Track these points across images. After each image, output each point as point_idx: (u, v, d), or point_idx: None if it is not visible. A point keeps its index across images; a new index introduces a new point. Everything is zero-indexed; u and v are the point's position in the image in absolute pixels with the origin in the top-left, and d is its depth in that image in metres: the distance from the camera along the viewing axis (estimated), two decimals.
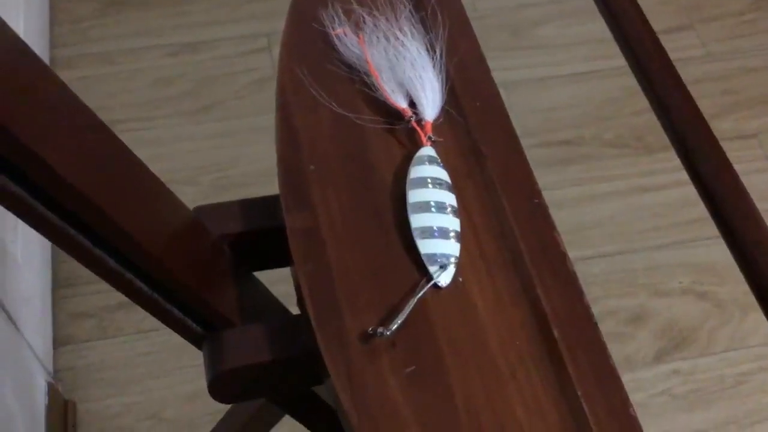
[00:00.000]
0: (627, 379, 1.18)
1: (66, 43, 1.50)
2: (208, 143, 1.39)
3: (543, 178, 1.58)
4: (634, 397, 1.20)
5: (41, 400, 1.04)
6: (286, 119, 0.49)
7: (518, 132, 1.58)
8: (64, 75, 1.47)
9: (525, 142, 1.55)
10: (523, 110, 1.44)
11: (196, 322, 0.44)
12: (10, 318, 0.96)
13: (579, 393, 0.41)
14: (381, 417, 0.39)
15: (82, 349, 1.18)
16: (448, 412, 0.40)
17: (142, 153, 1.56)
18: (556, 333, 0.42)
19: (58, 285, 1.21)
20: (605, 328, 1.21)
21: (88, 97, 1.50)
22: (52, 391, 1.07)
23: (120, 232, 0.36)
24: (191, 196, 1.32)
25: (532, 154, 1.57)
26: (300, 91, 0.50)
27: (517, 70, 1.49)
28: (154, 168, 1.42)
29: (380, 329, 0.41)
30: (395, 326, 0.41)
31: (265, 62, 1.48)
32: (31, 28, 1.36)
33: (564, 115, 1.45)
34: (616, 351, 1.20)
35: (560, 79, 1.49)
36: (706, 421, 1.15)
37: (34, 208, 0.33)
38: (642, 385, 1.18)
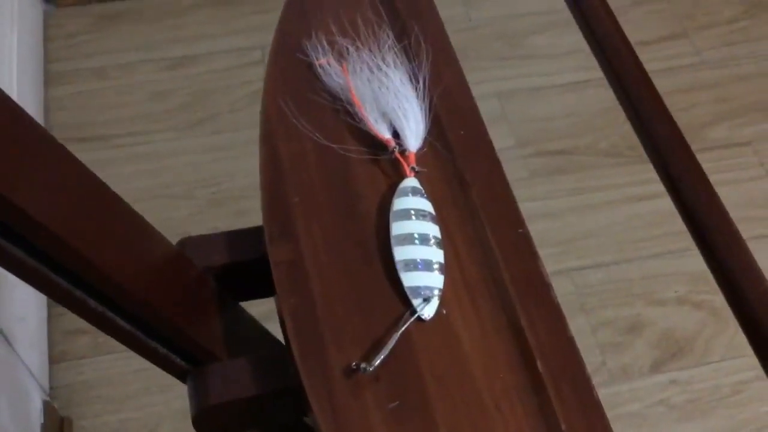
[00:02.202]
0: (623, 389, 1.19)
1: (60, 58, 1.50)
2: (204, 157, 1.39)
3: (537, 187, 1.58)
4: (631, 408, 1.21)
5: (37, 417, 1.04)
6: (270, 149, 0.49)
7: (513, 142, 1.58)
8: (59, 90, 1.48)
9: (519, 152, 1.55)
10: (518, 120, 1.45)
11: (181, 356, 0.44)
12: (4, 337, 0.96)
13: (563, 427, 0.41)
14: None
15: (77, 366, 1.18)
16: None
17: (137, 167, 1.57)
18: (540, 365, 0.42)
19: (53, 303, 1.21)
20: (602, 337, 1.22)
21: (83, 112, 1.51)
22: (48, 408, 1.07)
23: (99, 273, 0.36)
24: (187, 210, 1.32)
25: (527, 164, 1.58)
26: (284, 121, 0.50)
27: (511, 79, 1.50)
28: (149, 182, 1.43)
29: (363, 365, 0.41)
30: (378, 361, 0.41)
31: (260, 75, 1.48)
32: (24, 44, 1.36)
33: (559, 124, 1.45)
34: (612, 361, 1.20)
35: (555, 88, 1.49)
36: (703, 430, 1.15)
37: (4, 248, 0.33)
38: (639, 395, 1.18)
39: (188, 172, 1.37)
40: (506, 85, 1.50)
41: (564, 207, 1.36)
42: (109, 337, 1.18)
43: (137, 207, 0.43)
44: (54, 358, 1.17)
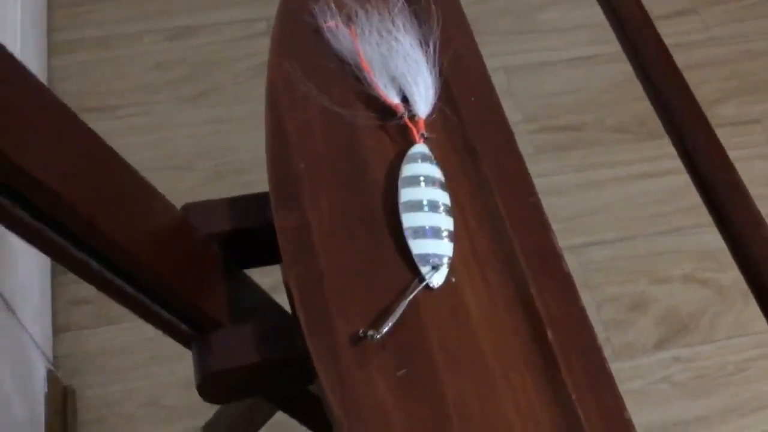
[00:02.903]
0: (627, 366, 1.18)
1: (63, 27, 1.48)
2: (206, 129, 1.38)
3: (544, 164, 1.57)
4: (634, 385, 1.21)
5: (41, 387, 1.04)
6: (275, 115, 0.48)
7: (519, 117, 1.57)
8: (62, 60, 1.47)
9: (526, 128, 1.54)
10: (525, 95, 1.43)
11: (185, 322, 0.43)
12: (8, 306, 0.96)
13: (573, 397, 0.40)
14: (371, 421, 0.39)
15: (81, 336, 1.18)
16: (440, 416, 0.40)
17: (139, 138, 1.55)
18: (550, 335, 0.42)
19: (57, 272, 1.21)
20: (606, 314, 1.22)
21: (86, 82, 1.50)
22: (51, 378, 1.07)
23: (103, 236, 0.35)
24: (189, 182, 1.31)
25: (534, 140, 1.56)
26: (290, 86, 0.49)
27: (519, 54, 1.48)
28: (151, 154, 1.41)
29: (371, 332, 0.40)
30: (386, 329, 0.41)
31: (264, 47, 1.46)
32: (28, 13, 1.34)
33: (566, 100, 1.43)
34: (616, 338, 1.20)
35: (562, 63, 1.47)
36: (707, 408, 1.15)
37: (7, 210, 0.32)
38: (642, 372, 1.18)
39: (190, 144, 1.36)
40: (513, 59, 1.48)
41: (570, 183, 1.35)
42: (112, 308, 1.18)
43: None
44: (57, 328, 1.17)
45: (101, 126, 1.54)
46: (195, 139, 1.37)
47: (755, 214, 0.44)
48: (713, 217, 0.45)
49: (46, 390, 1.04)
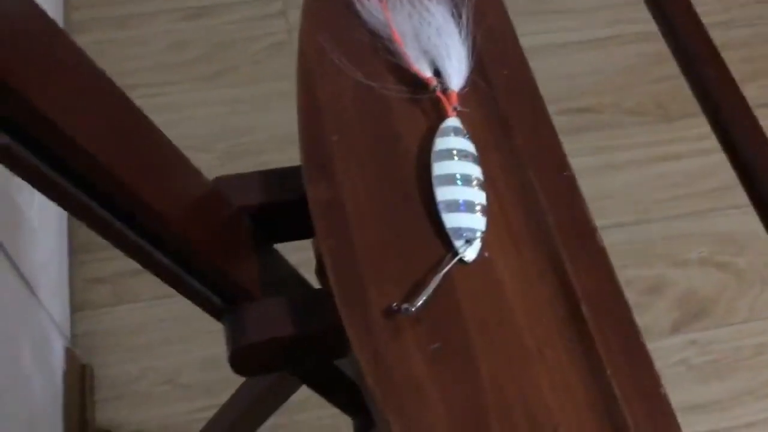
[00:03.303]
0: None
1: (80, 6, 1.48)
2: (223, 109, 1.38)
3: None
4: None
5: (59, 364, 1.05)
6: (307, 88, 0.47)
7: None
8: (79, 39, 1.46)
9: None
10: (543, 76, 1.40)
11: (216, 294, 0.43)
12: (27, 283, 0.96)
13: (608, 372, 0.40)
14: (405, 394, 0.39)
15: (99, 314, 1.18)
16: (474, 390, 0.39)
17: (155, 118, 1.55)
18: (584, 310, 0.41)
19: (75, 250, 1.21)
20: None
21: (102, 62, 1.48)
22: (69, 355, 1.07)
23: (140, 202, 0.35)
24: (205, 163, 1.30)
25: None
26: (322, 59, 0.49)
27: (537, 35, 1.47)
28: (168, 134, 1.41)
29: (405, 305, 0.40)
30: (420, 302, 0.41)
31: (280, 27, 1.45)
32: None
33: (583, 81, 1.42)
34: None
35: (581, 45, 1.46)
36: (723, 391, 1.15)
37: (50, 178, 0.32)
38: (658, 355, 1.17)
39: (207, 124, 1.36)
40: (530, 40, 1.46)
41: (587, 166, 1.34)
42: (129, 287, 1.19)
43: None
44: (75, 306, 1.18)
45: None
46: (211, 120, 1.36)
47: None
48: (749, 195, 0.45)
49: (65, 368, 1.05)
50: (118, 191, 0.34)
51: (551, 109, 1.60)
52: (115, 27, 1.46)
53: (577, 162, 1.49)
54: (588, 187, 1.45)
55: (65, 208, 0.34)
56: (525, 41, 1.64)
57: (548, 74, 1.42)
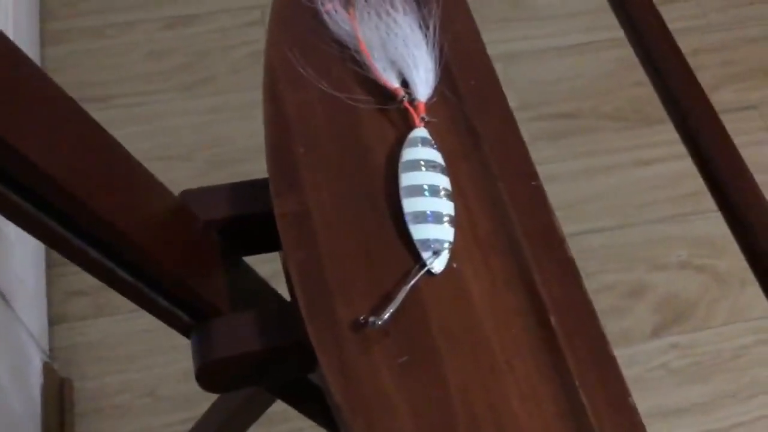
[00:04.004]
0: (624, 353, 1.18)
1: (57, 16, 1.47)
2: (203, 118, 1.37)
3: (541, 151, 1.56)
4: (631, 372, 1.21)
5: (37, 379, 1.03)
6: (274, 99, 0.47)
7: (516, 105, 1.56)
8: (56, 50, 1.45)
9: (523, 115, 1.53)
10: (522, 83, 1.42)
11: (184, 310, 0.43)
12: (3, 297, 0.95)
13: (577, 383, 0.40)
14: (374, 408, 0.38)
15: (77, 327, 1.17)
16: (443, 403, 0.39)
17: (134, 128, 1.54)
18: (553, 321, 0.41)
19: (52, 263, 1.20)
20: (603, 302, 1.21)
21: (80, 72, 1.48)
22: (47, 370, 1.06)
23: (101, 222, 0.35)
24: (186, 173, 1.30)
25: (530, 128, 1.56)
26: (288, 70, 0.48)
27: (515, 41, 1.47)
28: (147, 144, 1.40)
29: (372, 318, 0.40)
30: (387, 315, 0.40)
31: (259, 35, 1.45)
32: (21, 2, 1.33)
33: (562, 87, 1.43)
34: (613, 325, 1.20)
35: (559, 50, 1.47)
36: (704, 394, 1.15)
37: (4, 196, 0.32)
38: (639, 359, 1.18)
39: (187, 133, 1.35)
40: (509, 47, 1.47)
41: (566, 171, 1.34)
42: (109, 299, 1.18)
43: None
44: (54, 320, 1.16)
45: (96, 116, 1.52)
46: (192, 129, 1.36)
47: (760, 198, 0.44)
48: (717, 201, 0.45)
49: (42, 382, 1.04)
50: (75, 210, 0.33)
51: (531, 114, 1.60)
52: (93, 37, 1.45)
53: (556, 167, 1.50)
54: (568, 192, 1.47)
55: (18, 225, 0.33)
56: (504, 48, 1.65)
57: (527, 80, 1.44)
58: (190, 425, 0.82)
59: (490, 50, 1.66)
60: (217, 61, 1.43)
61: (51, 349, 1.14)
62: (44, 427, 1.00)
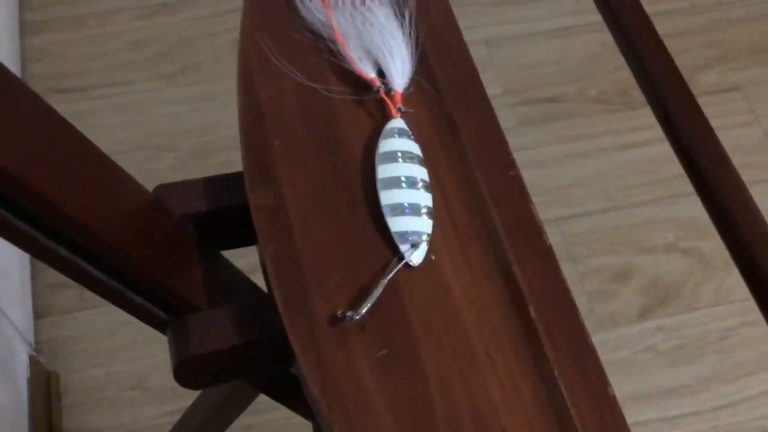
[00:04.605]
0: (611, 336, 1.19)
1: (35, 6, 1.45)
2: (187, 107, 1.36)
3: (526, 136, 1.55)
4: (619, 355, 1.21)
5: (23, 372, 1.03)
6: (248, 91, 0.46)
7: (501, 90, 1.55)
8: (36, 40, 1.44)
9: (508, 101, 1.53)
10: (507, 68, 1.42)
11: (159, 307, 0.42)
12: None
13: (556, 373, 0.39)
14: (351, 403, 0.38)
15: (63, 320, 1.16)
16: (422, 396, 0.39)
17: (117, 119, 1.52)
18: (532, 311, 0.41)
19: None
20: (590, 286, 1.22)
21: (61, 63, 1.46)
22: (33, 363, 1.06)
23: (70, 221, 0.34)
24: (170, 162, 1.29)
25: (516, 112, 1.55)
26: (262, 60, 0.48)
27: (499, 25, 1.46)
28: (130, 134, 1.38)
29: (349, 313, 0.40)
30: (365, 309, 0.40)
31: None
32: None
33: (547, 71, 1.42)
34: (600, 309, 1.20)
35: (544, 34, 1.46)
36: (691, 376, 1.16)
37: None
38: (626, 342, 1.18)
39: (170, 122, 1.34)
40: (494, 31, 1.46)
41: (552, 155, 1.34)
42: None
43: (119, 159, 0.41)
44: (39, 313, 1.16)
45: (78, 107, 1.52)
46: (175, 118, 1.34)
47: (737, 182, 0.43)
48: (695, 186, 0.45)
49: (29, 375, 1.03)
50: (41, 209, 0.33)
51: (516, 99, 1.59)
52: (73, 27, 1.43)
53: (542, 152, 1.49)
54: (554, 176, 1.46)
55: None
56: (489, 32, 1.64)
57: (513, 65, 1.43)
58: (178, 416, 0.82)
59: (475, 35, 1.65)
60: (199, 49, 1.42)
61: (37, 342, 1.13)
62: (31, 421, 1.00)
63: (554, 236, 1.25)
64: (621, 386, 1.19)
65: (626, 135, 1.35)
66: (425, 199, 0.44)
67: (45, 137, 0.35)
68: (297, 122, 0.46)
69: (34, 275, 1.18)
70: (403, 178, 0.44)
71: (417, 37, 0.48)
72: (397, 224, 0.43)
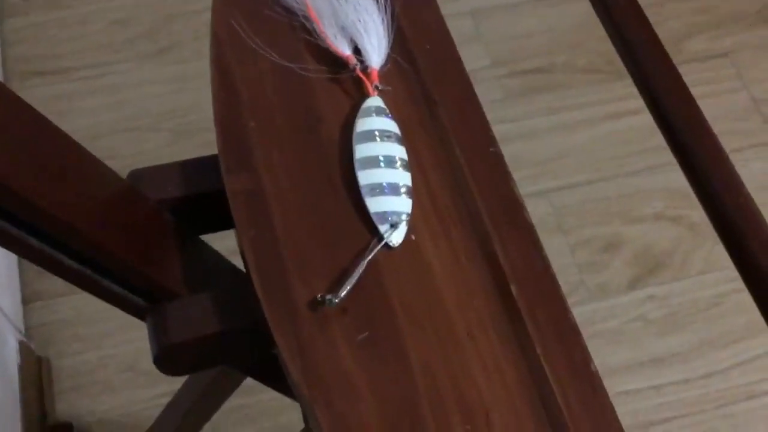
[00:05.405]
0: (602, 306, 1.19)
1: None
2: (169, 87, 1.34)
3: (514, 108, 1.54)
4: (609, 325, 1.21)
5: (13, 358, 1.02)
6: (222, 72, 0.45)
7: (488, 62, 1.53)
8: (15, 22, 1.41)
9: (495, 72, 1.51)
10: (493, 39, 1.40)
11: (138, 295, 0.42)
12: None
13: (539, 351, 0.39)
14: (333, 388, 0.38)
15: (52, 305, 1.16)
16: (404, 379, 0.39)
17: (98, 100, 1.50)
18: (514, 290, 0.41)
19: None
20: (580, 257, 1.22)
21: (41, 44, 1.43)
22: (23, 349, 1.05)
23: (41, 212, 0.33)
24: (154, 143, 1.28)
25: (502, 84, 1.53)
26: (236, 40, 0.46)
27: None
28: (113, 116, 1.36)
29: (329, 296, 0.39)
30: (344, 292, 0.39)
31: None
32: None
33: (534, 42, 1.41)
34: (590, 280, 1.20)
35: (530, 4, 1.44)
36: (682, 344, 1.16)
37: None
38: (617, 312, 1.19)
39: (154, 103, 1.32)
40: (480, 2, 1.44)
41: (540, 127, 1.33)
42: None
43: (102, 141, 0.40)
44: (27, 298, 1.15)
45: (60, 89, 1.49)
46: (158, 99, 1.33)
47: (719, 151, 0.43)
48: (676, 155, 0.44)
49: (20, 362, 1.03)
50: (14, 202, 0.32)
51: (504, 71, 1.57)
52: (52, 7, 1.41)
53: (530, 123, 1.48)
54: (543, 148, 1.45)
55: None
56: (474, 3, 1.61)
57: (499, 36, 1.41)
58: (170, 398, 0.82)
59: (460, 7, 1.62)
60: (181, 28, 1.40)
61: (26, 328, 1.12)
62: (24, 407, 1.00)
63: (544, 208, 1.24)
64: (612, 356, 1.20)
65: (614, 105, 1.34)
66: (404, 178, 0.43)
67: (10, 126, 0.34)
68: (273, 103, 0.45)
69: (21, 261, 1.17)
70: (381, 158, 0.43)
71: (393, 13, 0.47)
72: (375, 204, 0.42)
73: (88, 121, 1.28)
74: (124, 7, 1.42)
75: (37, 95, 1.25)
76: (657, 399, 1.13)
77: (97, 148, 0.46)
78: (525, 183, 1.24)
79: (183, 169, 0.46)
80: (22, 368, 1.03)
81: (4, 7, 1.40)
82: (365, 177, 0.43)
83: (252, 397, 1.08)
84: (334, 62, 0.47)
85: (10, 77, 1.30)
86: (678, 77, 0.44)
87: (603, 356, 1.14)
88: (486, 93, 1.42)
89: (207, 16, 1.48)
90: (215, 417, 0.74)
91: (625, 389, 1.13)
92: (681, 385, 1.13)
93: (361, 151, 0.43)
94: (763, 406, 1.13)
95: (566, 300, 0.40)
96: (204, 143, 1.29)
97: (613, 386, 1.14)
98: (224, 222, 0.47)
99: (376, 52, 0.46)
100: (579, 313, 0.40)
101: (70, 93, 1.30)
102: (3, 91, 0.36)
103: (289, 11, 0.48)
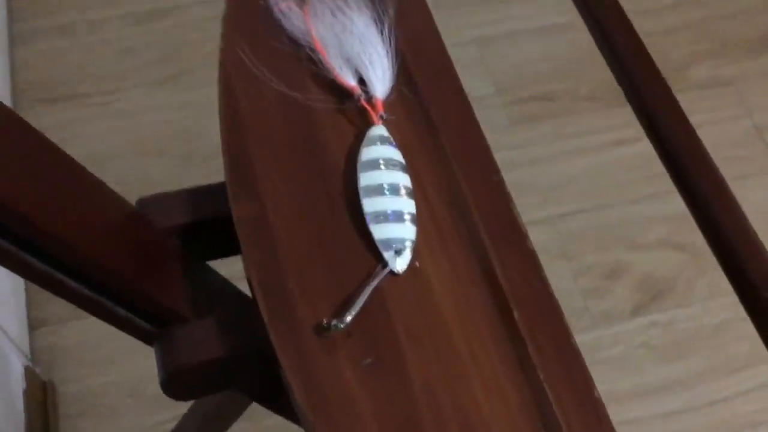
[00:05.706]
0: (606, 333, 1.19)
1: (26, 17, 1.45)
2: (178, 114, 1.36)
3: (518, 135, 1.55)
4: (613, 351, 1.21)
5: (19, 383, 1.03)
6: (229, 102, 0.47)
7: (492, 90, 1.55)
8: (26, 50, 1.43)
9: (499, 100, 1.52)
10: (497, 67, 1.42)
11: (145, 319, 0.42)
12: None
13: (541, 376, 0.40)
14: (338, 412, 0.38)
15: (58, 330, 1.16)
16: (408, 403, 0.39)
17: (109, 126, 1.52)
18: (516, 314, 0.41)
19: None
20: (584, 284, 1.22)
21: (52, 71, 1.45)
22: (29, 374, 1.06)
23: (52, 238, 0.34)
24: (162, 168, 1.29)
25: (507, 112, 1.55)
26: (244, 70, 0.48)
27: (490, 24, 1.46)
28: (122, 141, 1.38)
29: (334, 321, 0.40)
30: (350, 317, 0.40)
31: None
32: None
33: (538, 70, 1.42)
34: (595, 306, 1.21)
35: (534, 32, 1.46)
36: (685, 371, 1.16)
37: None
38: (620, 338, 1.19)
39: (162, 129, 1.34)
40: (484, 30, 1.46)
41: (544, 154, 1.34)
42: None
43: (110, 165, 0.41)
44: (33, 323, 1.16)
45: (70, 115, 1.51)
46: (167, 125, 1.34)
47: (718, 180, 0.44)
48: (677, 185, 0.45)
49: (25, 386, 1.03)
50: (21, 226, 0.33)
51: (507, 99, 1.59)
52: (64, 35, 1.43)
53: (534, 150, 1.49)
54: (546, 175, 1.46)
55: None
56: (479, 32, 1.63)
57: (504, 64, 1.43)
58: (175, 424, 0.82)
59: (465, 35, 1.64)
60: (190, 55, 1.42)
61: (32, 352, 1.13)
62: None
63: (548, 234, 1.25)
64: (617, 383, 1.19)
65: (617, 132, 1.35)
66: (408, 205, 0.44)
67: (22, 153, 0.35)
68: (279, 132, 0.46)
69: (28, 285, 1.18)
70: (385, 186, 0.44)
71: (397, 44, 0.48)
72: (380, 231, 0.43)
73: (98, 146, 1.29)
74: (134, 36, 1.44)
75: (46, 122, 1.27)
76: (663, 426, 1.12)
77: (106, 174, 0.47)
78: (529, 209, 1.25)
79: (190, 196, 0.47)
80: (27, 393, 1.04)
81: (14, 35, 1.42)
82: (370, 204, 0.44)
83: (256, 422, 1.08)
84: (339, 92, 0.48)
85: (20, 104, 1.32)
86: (677, 107, 0.45)
87: (608, 383, 1.13)
88: (490, 120, 1.43)
89: (215, 44, 1.50)
90: None
91: (631, 417, 1.12)
92: (686, 413, 1.13)
93: (365, 179, 0.44)
94: None
95: (567, 323, 0.41)
96: (211, 170, 1.30)
97: (618, 413, 1.14)
98: (231, 248, 0.48)
99: (381, 82, 0.47)
100: (583, 340, 0.40)
101: (80, 119, 1.32)
102: (12, 117, 0.37)
103: (296, 43, 0.49)
